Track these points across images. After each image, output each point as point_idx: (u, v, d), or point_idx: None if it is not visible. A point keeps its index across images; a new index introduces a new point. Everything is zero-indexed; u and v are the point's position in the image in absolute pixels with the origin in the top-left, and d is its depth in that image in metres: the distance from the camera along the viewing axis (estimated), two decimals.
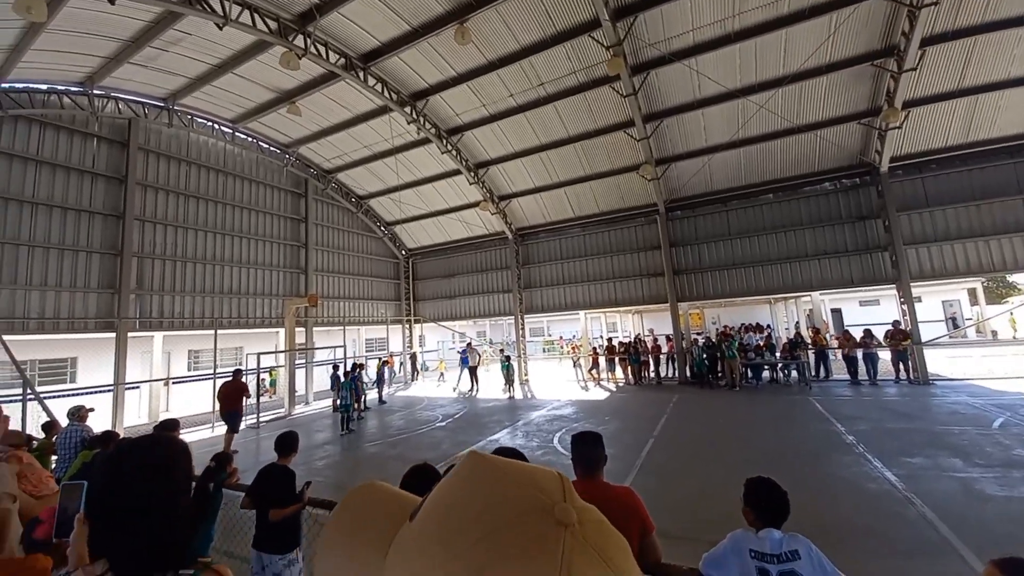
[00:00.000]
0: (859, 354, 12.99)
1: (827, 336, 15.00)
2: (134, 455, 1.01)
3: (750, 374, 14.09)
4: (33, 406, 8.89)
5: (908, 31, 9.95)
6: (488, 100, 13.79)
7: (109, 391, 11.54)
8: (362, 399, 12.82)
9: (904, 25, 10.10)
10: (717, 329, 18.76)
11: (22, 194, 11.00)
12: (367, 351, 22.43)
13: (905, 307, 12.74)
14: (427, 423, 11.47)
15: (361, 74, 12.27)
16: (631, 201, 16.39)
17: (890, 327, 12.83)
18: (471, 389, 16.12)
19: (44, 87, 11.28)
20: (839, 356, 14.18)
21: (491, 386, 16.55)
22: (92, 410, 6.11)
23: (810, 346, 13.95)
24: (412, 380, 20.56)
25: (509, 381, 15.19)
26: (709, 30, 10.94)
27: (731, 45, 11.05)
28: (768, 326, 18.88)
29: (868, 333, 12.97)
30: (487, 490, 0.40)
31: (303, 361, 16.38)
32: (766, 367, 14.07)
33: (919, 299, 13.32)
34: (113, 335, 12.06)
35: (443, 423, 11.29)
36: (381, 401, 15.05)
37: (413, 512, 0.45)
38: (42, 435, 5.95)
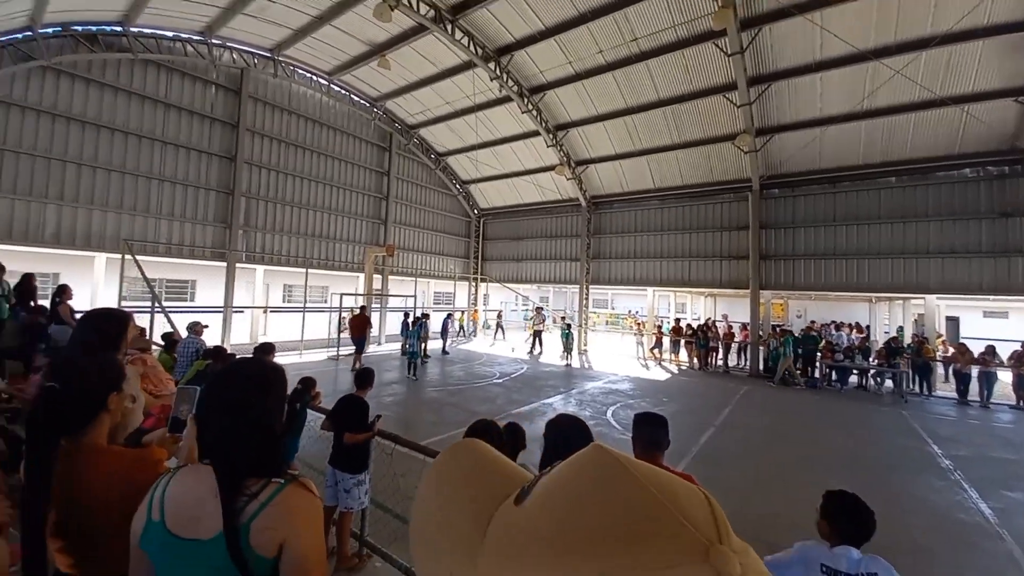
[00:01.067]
0: (974, 371, 11.30)
1: (937, 348, 13.09)
2: (242, 373, 1.14)
3: (835, 376, 12.87)
4: (159, 318, 10.48)
5: None
6: (575, 57, 13.12)
7: (220, 312, 13.31)
8: (424, 347, 13.60)
9: None
10: (800, 323, 17.18)
11: (153, 132, 12.52)
12: (435, 303, 23.52)
13: None
14: (485, 378, 11.94)
15: (449, 27, 12.18)
16: (721, 175, 15.09)
17: (1019, 347, 10.95)
18: (532, 351, 16.42)
19: (169, 34, 12.51)
20: (949, 371, 12.44)
21: (550, 352, 16.74)
22: (207, 326, 7.08)
23: (913, 355, 12.29)
24: (472, 335, 21.30)
25: (568, 349, 15.23)
26: None
27: None
28: (862, 327, 16.97)
29: (991, 349, 11.17)
30: (621, 503, 0.32)
31: (378, 305, 17.61)
32: (855, 371, 12.74)
33: None
34: (224, 264, 13.74)
35: (500, 380, 11.68)
36: (444, 351, 15.85)
37: (520, 495, 0.39)
38: (163, 343, 7.02)
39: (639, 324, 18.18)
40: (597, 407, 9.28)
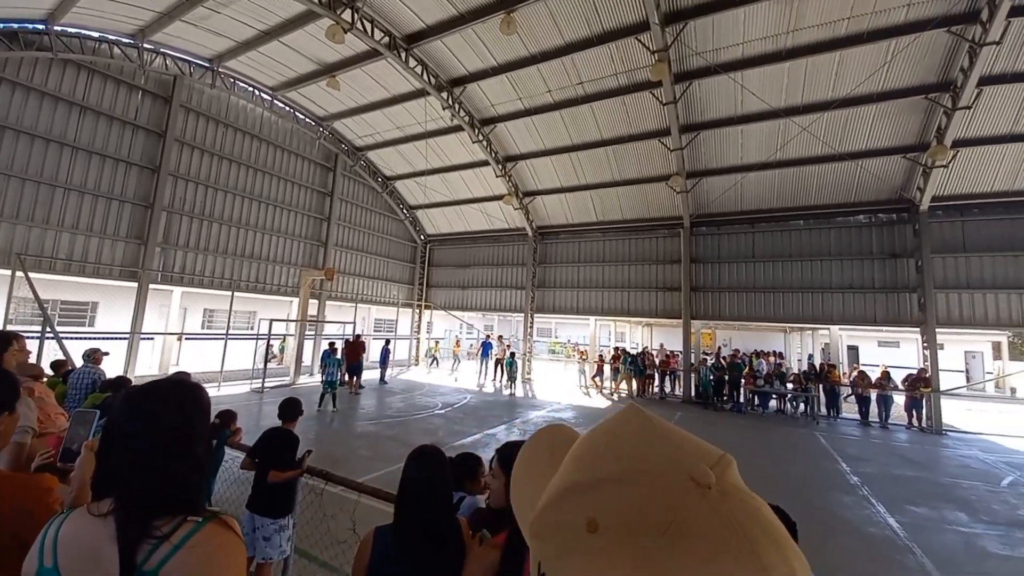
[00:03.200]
0: (873, 395, 12.63)
1: (842, 373, 14.59)
2: (160, 392, 1.00)
3: (756, 401, 13.82)
4: (50, 344, 9.16)
5: (967, 68, 9.59)
6: (525, 94, 13.71)
7: (124, 339, 11.85)
8: (356, 378, 13.01)
9: (964, 61, 9.72)
10: (725, 352, 18.45)
11: (64, 136, 11.29)
12: (375, 330, 22.63)
13: (927, 352, 12.33)
14: (426, 408, 11.52)
15: (403, 55, 12.29)
16: (656, 212, 16.16)
17: (913, 372, 12.44)
18: (494, 380, 16.24)
19: (96, 35, 11.54)
20: (851, 395, 13.81)
21: (492, 381, 16.56)
22: (107, 354, 6.26)
23: (822, 381, 13.59)
24: (457, 366, 20.61)
25: (512, 378, 15.17)
26: (760, 44, 10.67)
27: (781, 63, 10.77)
28: (780, 354, 18.51)
29: (885, 375, 12.61)
30: (631, 439, 0.38)
31: (312, 333, 16.59)
32: (774, 396, 13.78)
33: (942, 346, 12.87)
34: (135, 284, 12.37)
35: (441, 411, 11.32)
36: (382, 381, 15.17)
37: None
38: (51, 371, 6.13)
39: (581, 353, 18.57)
40: None
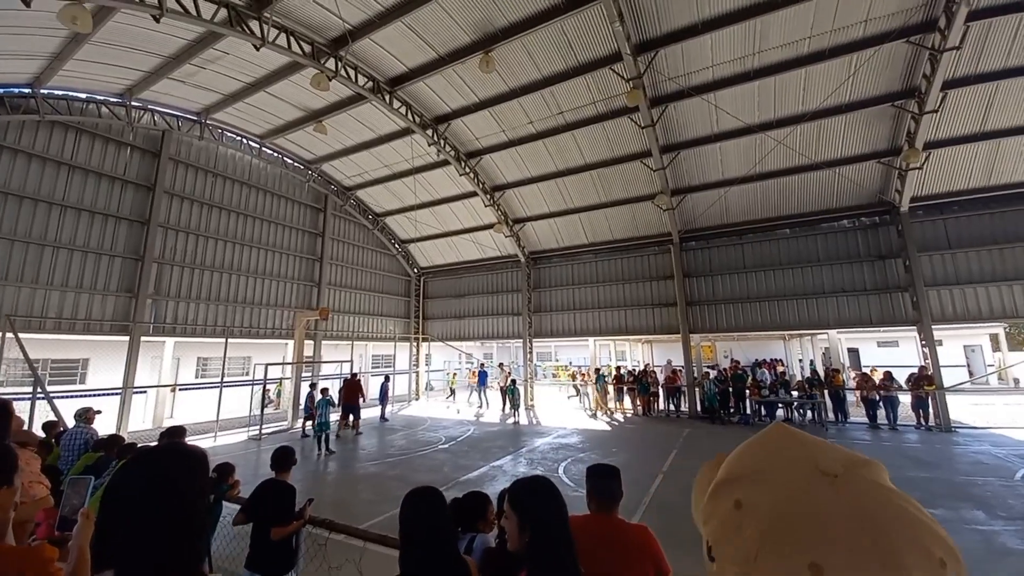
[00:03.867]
0: (878, 397, 12.54)
1: (845, 377, 14.52)
2: (161, 460, 0.98)
3: (764, 411, 13.67)
4: (42, 405, 8.95)
5: (930, 74, 10.03)
6: (508, 126, 14.10)
7: (117, 394, 11.59)
8: (349, 418, 12.69)
9: (926, 68, 10.18)
10: (725, 363, 18.35)
11: (52, 196, 11.37)
12: (373, 367, 22.35)
13: (926, 350, 12.35)
14: (430, 444, 11.26)
15: (387, 97, 12.67)
16: (645, 230, 16.40)
17: (915, 371, 12.42)
18: (502, 409, 15.99)
19: (83, 96, 11.80)
20: (857, 397, 13.72)
21: (494, 409, 16.28)
22: (99, 412, 6.11)
23: (827, 387, 13.49)
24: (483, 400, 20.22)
25: (515, 406, 14.94)
26: (729, 67, 11.14)
27: (750, 82, 11.22)
28: (781, 362, 18.45)
29: (888, 376, 12.56)
30: (770, 445, 0.49)
31: (309, 374, 16.33)
32: (780, 405, 13.65)
33: (940, 343, 12.92)
34: (126, 338, 12.20)
35: (445, 445, 11.07)
36: (383, 419, 14.86)
37: None
38: (42, 434, 5.96)
39: (583, 375, 18.40)
40: (549, 464, 9.02)
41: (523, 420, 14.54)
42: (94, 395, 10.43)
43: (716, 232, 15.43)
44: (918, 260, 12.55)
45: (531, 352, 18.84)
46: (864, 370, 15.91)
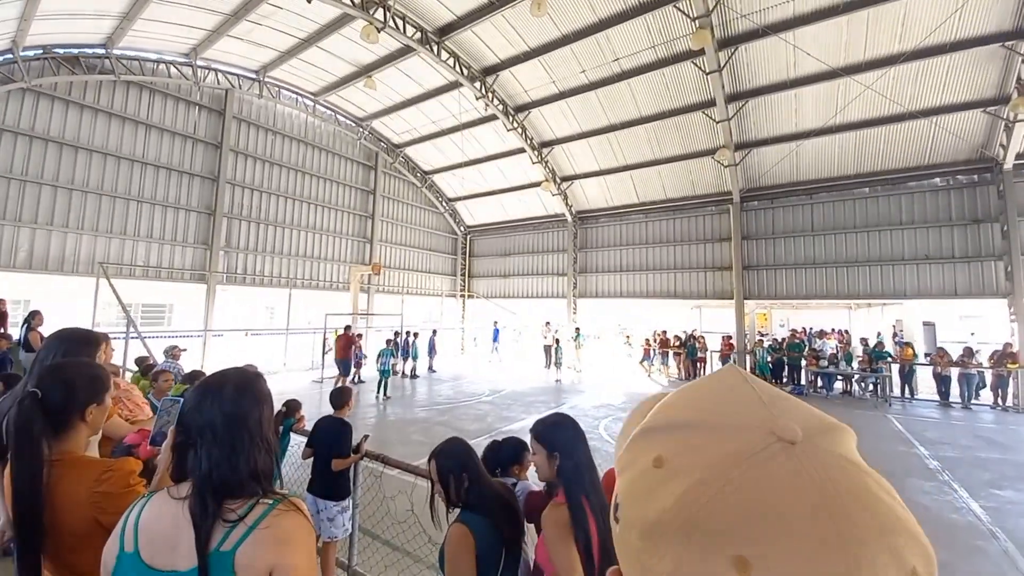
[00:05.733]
0: (954, 374, 11.53)
1: (915, 352, 13.36)
2: (226, 382, 1.06)
3: (819, 383, 13.02)
4: (135, 344, 10.13)
5: None
6: (559, 76, 13.42)
7: (199, 336, 12.93)
8: (406, 365, 13.81)
9: None
10: (783, 332, 17.42)
11: (133, 153, 12.35)
12: (422, 321, 23.27)
13: (1015, 325, 11.07)
14: (474, 396, 11.77)
15: (435, 48, 12.37)
16: (702, 189, 15.43)
17: (999, 348, 11.24)
18: (548, 367, 16.26)
19: (153, 56, 12.44)
20: (929, 375, 12.67)
21: (537, 366, 16.62)
22: (184, 350, 6.86)
23: (894, 359, 12.54)
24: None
25: (558, 364, 15.14)
26: None
27: (838, 16, 9.84)
28: (847, 332, 17.28)
29: (968, 351, 11.44)
30: (717, 393, 0.38)
31: (364, 325, 17.33)
32: (839, 378, 12.91)
33: None
34: (204, 286, 13.43)
35: (489, 397, 11.53)
36: (431, 369, 15.62)
37: None
38: (135, 368, 6.78)
39: (628, 337, 18.22)
40: (589, 421, 9.19)
41: (565, 378, 14.78)
42: (179, 336, 11.68)
43: (783, 191, 14.23)
44: (1018, 225, 11.01)
45: (575, 313, 18.81)
46: (940, 345, 14.54)
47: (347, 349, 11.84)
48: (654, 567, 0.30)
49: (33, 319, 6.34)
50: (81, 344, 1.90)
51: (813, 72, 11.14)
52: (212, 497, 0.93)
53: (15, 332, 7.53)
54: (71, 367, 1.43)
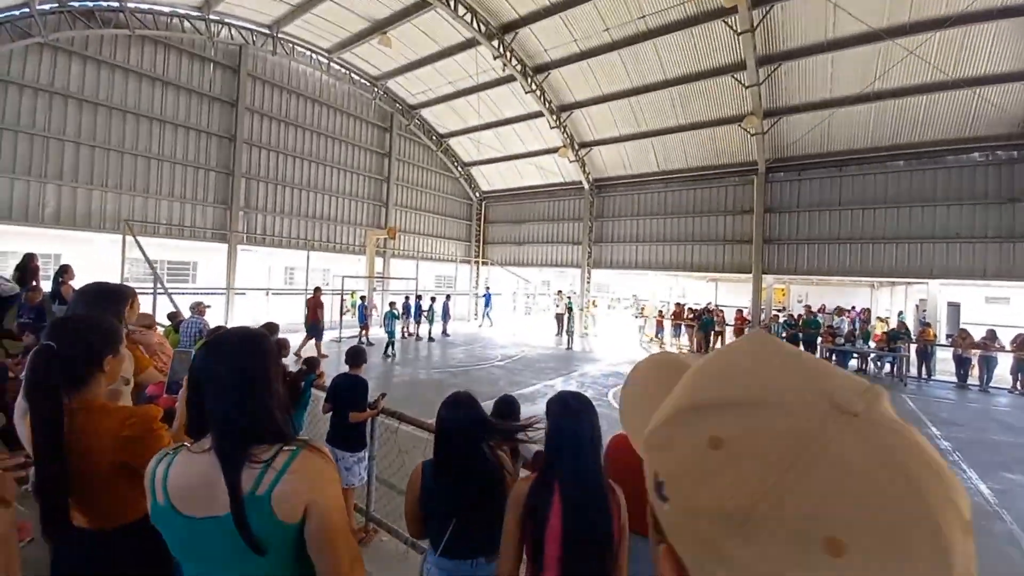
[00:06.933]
0: (974, 356, 11.32)
1: (935, 333, 13.08)
2: (230, 340, 1.12)
3: (834, 360, 12.92)
4: (162, 299, 10.48)
5: None
6: (581, 34, 12.83)
7: (222, 293, 13.33)
8: (419, 328, 14.42)
9: None
10: (799, 308, 17.17)
11: (151, 111, 12.37)
12: (436, 286, 23.50)
13: None
14: (487, 360, 12.02)
15: (452, 2, 11.87)
16: (726, 158, 14.90)
17: (1023, 332, 10.95)
18: (556, 334, 16.48)
19: (167, 9, 12.20)
20: (948, 357, 12.45)
21: (548, 333, 16.80)
22: (209, 306, 7.10)
23: (913, 340, 12.30)
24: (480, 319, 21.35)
25: (569, 332, 15.27)
26: None
27: None
28: (868, 311, 16.96)
29: (991, 334, 11.17)
30: (762, 363, 0.36)
31: (380, 288, 17.61)
32: (854, 356, 12.77)
33: None
34: (225, 246, 13.71)
35: (501, 362, 11.76)
36: (445, 333, 15.92)
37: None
38: (167, 322, 7.06)
39: (642, 309, 18.20)
40: (598, 388, 9.36)
41: (577, 346, 14.94)
42: (203, 293, 12.04)
43: (811, 162, 13.67)
44: None
45: (589, 282, 18.77)
46: (963, 327, 14.19)
47: (315, 311, 11.25)
48: (733, 553, 0.29)
49: (64, 273, 6.58)
50: (110, 298, 1.98)
51: (852, 34, 10.44)
52: (232, 443, 0.99)
53: (46, 286, 7.85)
54: (84, 320, 1.49)
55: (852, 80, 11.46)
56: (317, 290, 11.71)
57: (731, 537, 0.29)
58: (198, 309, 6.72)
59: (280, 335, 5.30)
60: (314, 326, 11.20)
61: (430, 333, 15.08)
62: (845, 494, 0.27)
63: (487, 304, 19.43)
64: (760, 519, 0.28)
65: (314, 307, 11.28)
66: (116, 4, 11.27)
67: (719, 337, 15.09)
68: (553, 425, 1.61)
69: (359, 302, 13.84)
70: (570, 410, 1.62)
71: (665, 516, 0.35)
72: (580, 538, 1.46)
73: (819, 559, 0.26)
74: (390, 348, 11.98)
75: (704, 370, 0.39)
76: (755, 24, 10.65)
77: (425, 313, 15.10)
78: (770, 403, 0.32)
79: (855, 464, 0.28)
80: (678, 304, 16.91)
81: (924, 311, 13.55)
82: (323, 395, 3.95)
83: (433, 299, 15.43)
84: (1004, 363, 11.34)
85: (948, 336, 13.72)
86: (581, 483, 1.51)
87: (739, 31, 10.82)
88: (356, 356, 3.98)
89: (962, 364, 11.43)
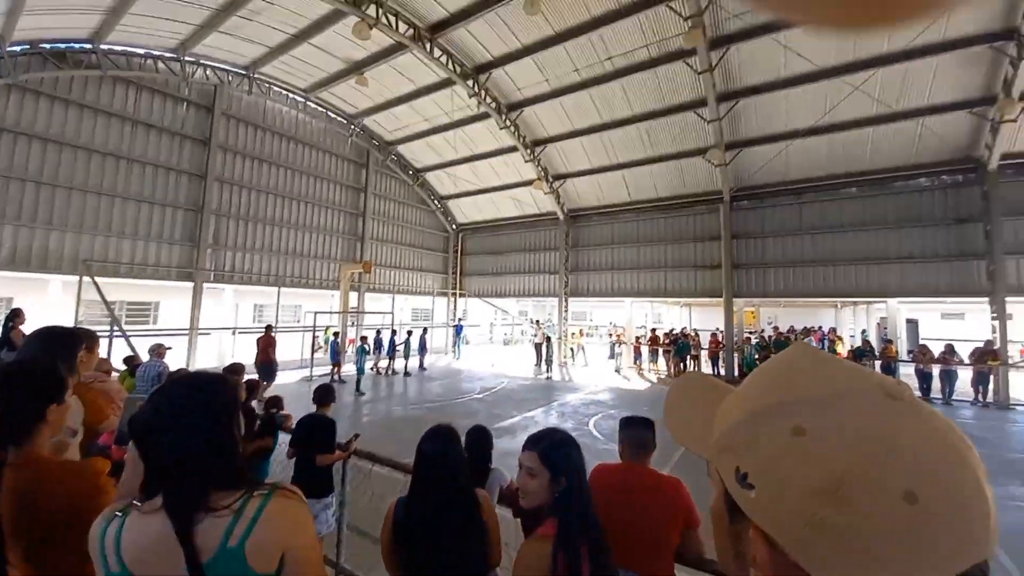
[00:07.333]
0: (935, 371, 11.78)
1: (897, 349, 13.64)
2: (182, 381, 1.06)
3: None
4: (119, 342, 9.97)
5: None
6: (552, 75, 13.43)
7: (185, 334, 12.75)
8: (394, 363, 14.12)
9: None
10: (769, 330, 17.65)
11: (119, 150, 12.10)
12: (412, 320, 23.19)
13: (996, 323, 11.34)
14: (465, 393, 11.76)
15: (428, 45, 12.30)
16: (693, 188, 15.55)
17: (980, 345, 11.51)
18: (538, 365, 16.27)
19: (141, 52, 12.21)
20: (911, 372, 12.93)
21: (527, 364, 16.66)
22: (170, 348, 6.76)
23: (877, 357, 12.77)
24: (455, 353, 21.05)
25: (548, 362, 15.19)
26: None
27: None
28: (834, 331, 17.54)
29: (950, 348, 11.70)
30: (816, 366, 0.44)
31: (354, 323, 17.23)
32: None
33: (1011, 316, 11.75)
34: (191, 284, 13.24)
35: (480, 395, 11.53)
36: (422, 367, 15.58)
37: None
38: (123, 367, 6.68)
39: (619, 335, 18.33)
40: (579, 418, 9.24)
41: (556, 376, 14.83)
42: (165, 335, 11.51)
43: (772, 191, 14.40)
44: (1000, 225, 11.27)
45: (566, 311, 18.88)
46: (922, 343, 14.84)
47: (266, 351, 10.55)
48: (828, 518, 0.36)
49: (15, 318, 6.22)
50: (62, 342, 1.86)
51: (804, 72, 11.28)
52: (187, 495, 0.92)
53: None
54: (23, 365, 1.40)
55: (806, 114, 12.28)
56: (268, 328, 11.07)
57: (825, 505, 0.36)
58: (157, 352, 6.38)
59: (248, 376, 5.07)
60: (265, 366, 10.35)
61: (406, 368, 14.74)
62: (915, 458, 0.36)
63: (458, 335, 19.45)
64: (850, 486, 0.36)
65: (265, 346, 10.52)
66: (89, 46, 11.22)
67: (695, 361, 15.29)
68: (570, 469, 1.49)
69: (332, 338, 13.47)
70: (573, 447, 1.57)
71: (752, 502, 0.41)
72: None
73: (900, 507, 0.34)
74: (360, 384, 11.69)
75: (768, 376, 0.47)
76: (713, 64, 11.39)
77: (399, 347, 14.81)
78: (837, 395, 0.40)
79: (916, 437, 0.37)
80: (653, 330, 17.11)
81: (885, 328, 14.14)
82: (287, 437, 3.76)
83: (409, 332, 15.17)
84: (963, 376, 11.83)
85: (909, 352, 14.28)
86: (599, 531, 1.44)
87: (699, 71, 11.55)
88: (324, 394, 3.83)
89: (924, 379, 11.87)
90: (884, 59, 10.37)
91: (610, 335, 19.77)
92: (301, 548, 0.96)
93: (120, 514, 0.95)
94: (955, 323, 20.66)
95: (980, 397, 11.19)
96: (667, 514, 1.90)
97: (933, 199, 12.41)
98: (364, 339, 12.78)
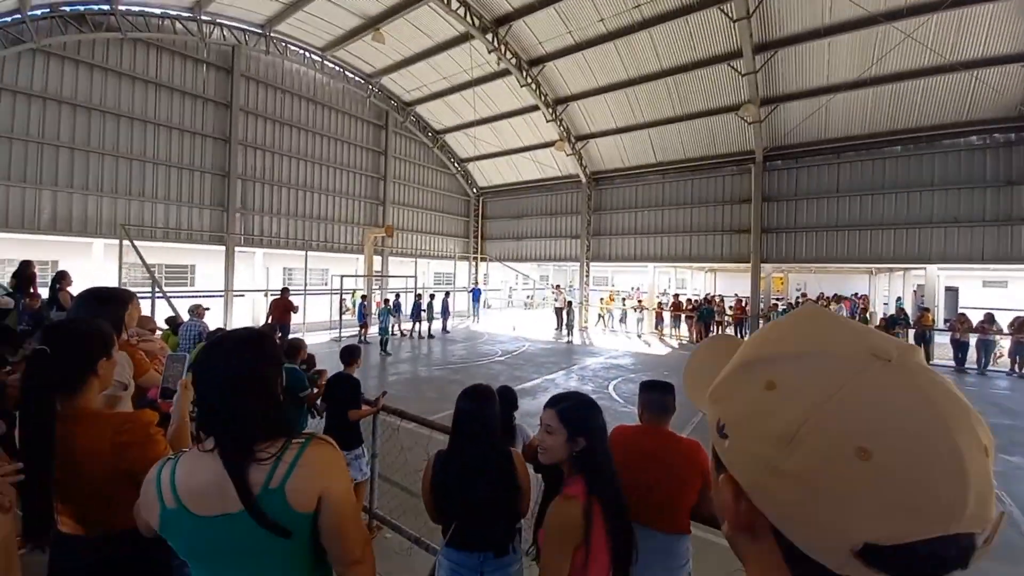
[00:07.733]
0: (972, 340, 11.35)
1: (933, 318, 13.13)
2: (232, 341, 1.13)
3: None
4: (160, 303, 10.48)
5: None
6: (575, 26, 12.73)
7: (220, 296, 13.33)
8: (420, 326, 14.41)
9: None
10: (798, 296, 17.20)
11: (145, 114, 12.29)
12: (435, 283, 23.50)
13: None
14: (487, 356, 12.04)
15: None
16: (723, 147, 14.84)
17: (1022, 314, 10.98)
18: (559, 329, 16.41)
19: (157, 11, 12.10)
20: (946, 342, 12.50)
21: (548, 328, 16.83)
22: (208, 309, 7.10)
23: (911, 326, 12.34)
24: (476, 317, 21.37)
25: (569, 326, 15.29)
26: None
27: None
28: (866, 298, 16.97)
29: (989, 317, 11.21)
30: (810, 324, 0.43)
31: (379, 287, 17.61)
32: None
33: None
34: (223, 248, 13.69)
35: (502, 358, 11.79)
36: (445, 330, 15.95)
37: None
38: (165, 326, 7.07)
39: (640, 301, 18.21)
40: (599, 382, 9.39)
41: (576, 340, 14.97)
42: (202, 296, 12.03)
43: (808, 150, 13.63)
44: None
45: (588, 276, 18.77)
46: (961, 311, 14.25)
47: (285, 314, 10.41)
48: (782, 465, 0.36)
49: (62, 280, 6.57)
50: (108, 302, 1.97)
51: (849, 18, 10.37)
52: (234, 442, 1.01)
53: (44, 293, 7.85)
54: (76, 324, 1.48)
55: (849, 66, 11.39)
56: (285, 291, 10.92)
57: (780, 452, 0.36)
58: (197, 312, 6.73)
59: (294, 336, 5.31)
60: (282, 327, 10.25)
61: (430, 330, 15.10)
62: (876, 415, 0.34)
63: (475, 300, 19.60)
64: (804, 435, 0.35)
65: (282, 310, 10.37)
66: (107, 7, 11.17)
67: (719, 327, 15.12)
68: (589, 428, 1.52)
69: (360, 301, 13.84)
70: (593, 409, 1.59)
71: (725, 451, 0.42)
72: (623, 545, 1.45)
73: (850, 462, 0.33)
74: (387, 345, 12.04)
75: (763, 334, 0.47)
76: (751, 10, 10.57)
77: (424, 310, 15.10)
78: (819, 352, 0.39)
79: (887, 392, 0.35)
80: (676, 296, 16.91)
81: (922, 296, 13.57)
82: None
83: (432, 296, 15.42)
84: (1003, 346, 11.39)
85: (946, 321, 13.75)
86: (620, 492, 1.52)
87: (735, 18, 10.75)
88: (348, 354, 4.02)
89: (960, 348, 11.47)
90: (938, 4, 9.39)
91: (623, 300, 19.64)
92: (336, 491, 1.04)
93: (173, 458, 1.06)
94: (997, 291, 19.63)
95: (1017, 367, 10.80)
96: (685, 474, 1.96)
97: (984, 158, 11.54)
98: (387, 301, 13.08)
